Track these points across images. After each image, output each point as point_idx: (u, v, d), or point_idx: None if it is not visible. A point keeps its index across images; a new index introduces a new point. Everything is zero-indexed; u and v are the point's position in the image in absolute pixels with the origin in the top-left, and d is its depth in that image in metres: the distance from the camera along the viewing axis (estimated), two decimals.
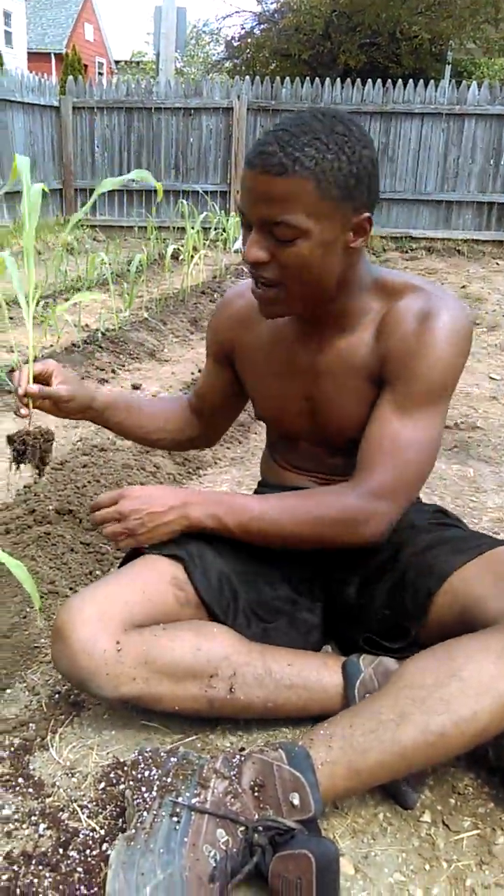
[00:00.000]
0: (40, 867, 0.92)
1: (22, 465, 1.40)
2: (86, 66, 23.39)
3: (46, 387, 1.33)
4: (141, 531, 1.18)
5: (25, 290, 1.53)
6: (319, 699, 1.14)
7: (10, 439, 1.42)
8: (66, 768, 1.10)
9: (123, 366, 3.57)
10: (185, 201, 6.09)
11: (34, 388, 1.30)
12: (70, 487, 1.99)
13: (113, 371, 3.44)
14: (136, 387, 3.22)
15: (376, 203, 1.13)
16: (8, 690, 1.24)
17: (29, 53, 28.51)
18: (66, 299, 4.94)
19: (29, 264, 1.50)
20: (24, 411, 1.37)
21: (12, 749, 1.12)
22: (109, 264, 4.19)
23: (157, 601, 1.14)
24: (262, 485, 1.53)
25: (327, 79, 8.20)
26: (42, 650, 1.32)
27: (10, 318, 3.80)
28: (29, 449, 1.39)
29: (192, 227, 5.45)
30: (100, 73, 34.77)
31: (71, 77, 8.66)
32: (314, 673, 1.15)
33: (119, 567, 1.27)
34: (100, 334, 3.86)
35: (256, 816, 0.92)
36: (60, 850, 0.95)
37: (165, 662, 1.08)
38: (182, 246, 5.55)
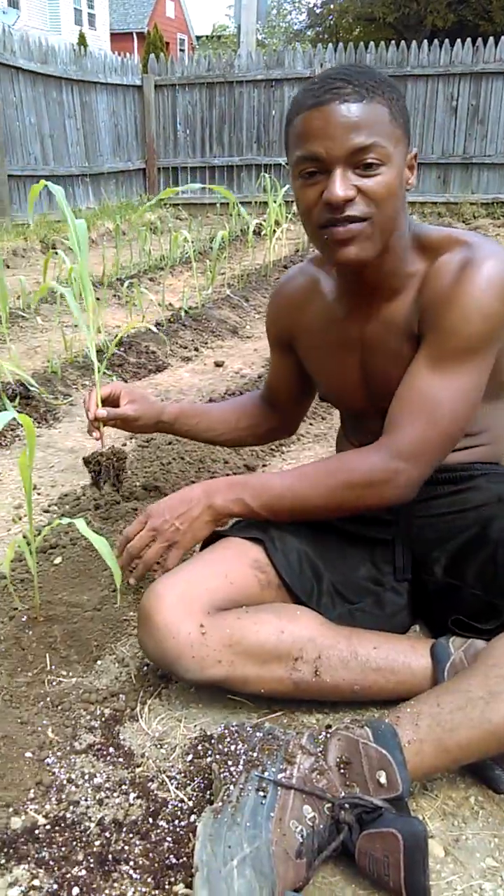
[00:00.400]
0: (130, 835, 0.94)
1: (101, 484, 1.51)
2: (167, 43, 23.43)
3: (115, 409, 1.43)
4: (179, 536, 1.21)
5: (86, 319, 1.62)
6: (408, 683, 1.12)
7: (87, 461, 1.54)
8: (155, 739, 1.12)
9: (206, 343, 3.59)
10: (267, 175, 6.01)
11: (102, 412, 1.36)
12: (156, 464, 2.02)
13: (196, 349, 3.47)
14: (218, 364, 3.23)
15: None
16: (98, 662, 1.27)
17: (112, 34, 28.78)
18: (151, 279, 5.02)
19: (86, 292, 1.57)
20: (95, 434, 1.45)
21: (103, 719, 1.15)
22: (192, 242, 4.20)
23: (240, 584, 1.15)
24: None
25: (413, 42, 7.92)
26: (131, 623, 1.35)
27: (97, 299, 3.87)
28: (104, 469, 1.48)
29: (275, 202, 5.40)
30: (181, 50, 34.77)
31: (152, 55, 8.68)
32: (402, 656, 1.13)
33: (200, 550, 1.28)
34: (183, 312, 3.89)
35: (342, 794, 0.92)
36: (150, 820, 0.97)
37: (250, 645, 1.09)
38: (264, 221, 5.51)
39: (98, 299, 3.94)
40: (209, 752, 1.08)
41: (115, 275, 5.02)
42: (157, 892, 0.88)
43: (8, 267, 4.85)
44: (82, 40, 17.08)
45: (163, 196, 1.76)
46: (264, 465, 2.09)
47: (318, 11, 16.76)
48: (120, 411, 1.44)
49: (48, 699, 1.17)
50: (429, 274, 1.16)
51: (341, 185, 1.06)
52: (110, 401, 1.47)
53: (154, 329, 3.06)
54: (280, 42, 22.79)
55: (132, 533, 1.24)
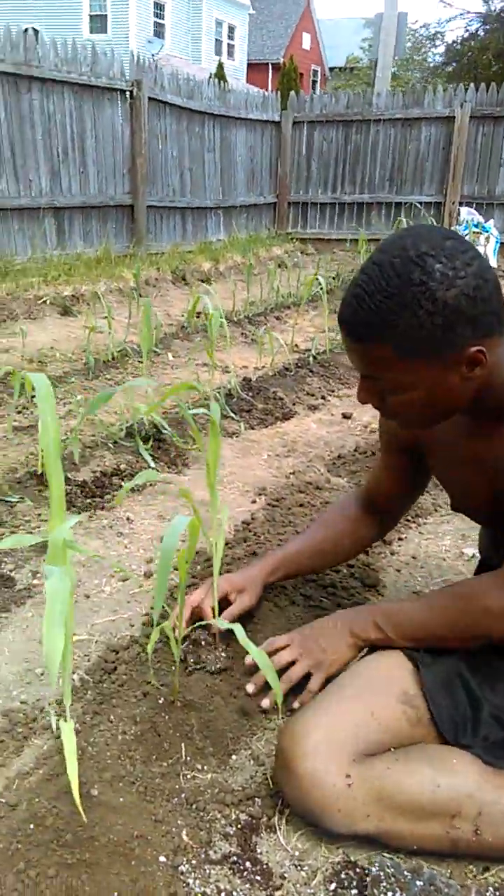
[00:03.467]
0: None
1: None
2: (301, 74, 23.88)
3: (232, 610, 1.40)
4: (325, 658, 1.24)
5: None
6: None
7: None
8: (295, 858, 1.06)
9: (333, 391, 3.53)
10: (402, 217, 5.94)
11: (225, 625, 1.24)
12: (289, 530, 1.98)
13: (323, 397, 3.42)
14: (346, 416, 3.17)
15: (498, 326, 1.03)
16: (234, 757, 1.22)
17: (248, 64, 29.59)
18: (277, 317, 5.03)
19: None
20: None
21: (239, 826, 1.10)
22: (322, 281, 4.18)
23: (387, 724, 1.08)
24: (483, 564, 1.44)
25: None
26: (271, 719, 1.30)
27: (224, 337, 3.91)
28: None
29: None
30: (314, 81, 35.32)
31: (292, 92, 8.81)
32: None
33: None
34: (311, 357, 3.86)
35: None
36: None
37: (402, 801, 1.01)
38: None
39: (225, 337, 3.97)
40: (354, 883, 1.01)
41: (244, 312, 5.07)
42: None
43: (140, 296, 4.98)
44: (220, 70, 17.68)
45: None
46: (401, 539, 2.01)
47: (457, 48, 16.55)
48: (237, 610, 1.41)
49: (183, 795, 1.13)
50: None
51: (359, 392, 1.13)
52: (224, 601, 1.44)
53: (271, 374, 3.04)
54: (416, 77, 22.72)
55: (279, 644, 1.22)
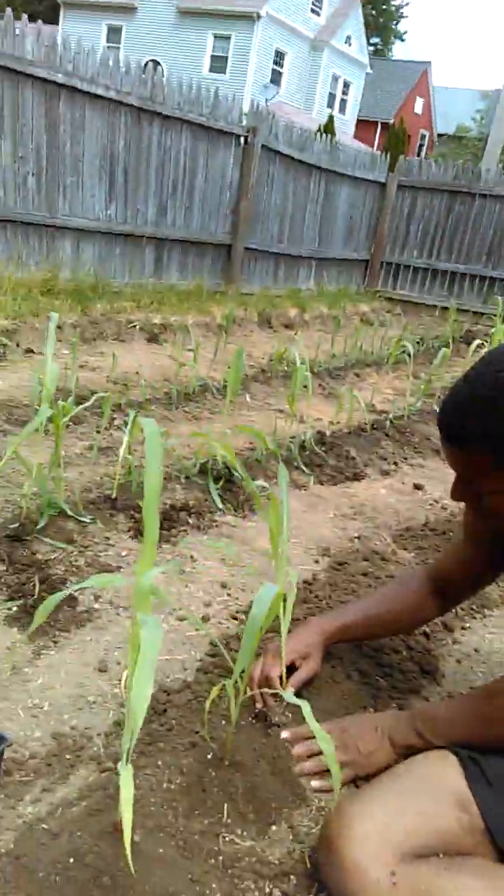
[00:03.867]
0: None
1: None
2: (409, 136, 24.25)
3: (300, 676, 1.42)
4: (359, 762, 1.26)
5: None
6: None
7: None
8: None
9: (406, 458, 3.51)
10: (499, 296, 5.93)
11: (293, 699, 1.20)
12: (350, 597, 1.96)
13: (395, 463, 3.40)
14: (417, 486, 3.13)
15: None
16: (274, 827, 1.20)
17: (358, 120, 30.24)
18: (357, 374, 5.05)
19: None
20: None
21: None
22: (409, 344, 4.19)
23: (438, 826, 1.05)
24: None
25: None
26: (316, 797, 1.27)
27: (304, 388, 3.93)
28: None
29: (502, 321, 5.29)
30: (420, 145, 35.83)
31: (402, 157, 8.94)
32: None
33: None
34: (388, 421, 3.85)
35: None
36: None
37: None
38: (487, 338, 5.40)
39: (305, 387, 4.00)
40: None
41: (325, 364, 5.11)
42: None
43: (226, 334, 5.08)
44: (330, 124, 18.09)
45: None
46: (464, 628, 1.96)
47: None
48: (304, 676, 1.44)
49: (220, 858, 1.12)
50: None
51: (453, 492, 1.17)
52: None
53: (346, 431, 3.03)
54: None
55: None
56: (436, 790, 1.09)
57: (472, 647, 1.86)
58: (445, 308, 8.26)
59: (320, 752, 1.24)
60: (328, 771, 1.22)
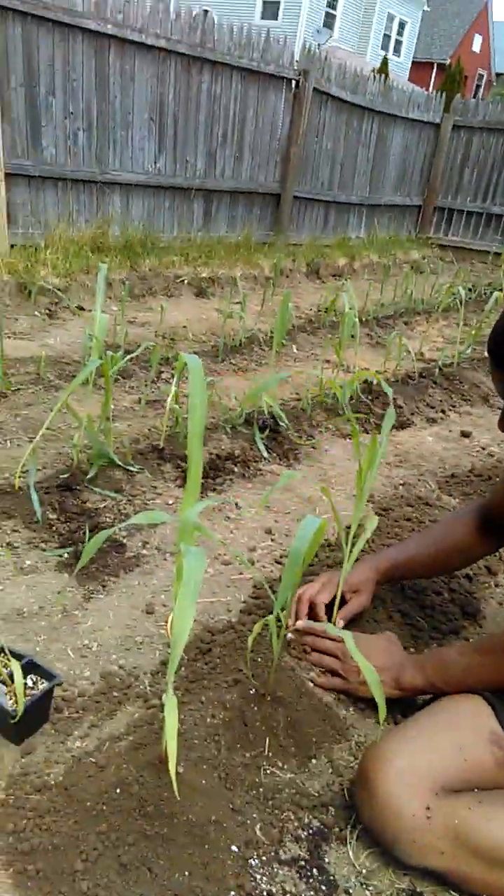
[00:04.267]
0: None
1: None
2: (465, 77, 23.15)
3: (350, 609, 1.46)
4: (353, 679, 1.32)
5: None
6: None
7: None
8: (362, 876, 1.06)
9: (454, 406, 3.44)
10: None
11: (336, 631, 1.20)
12: (393, 542, 1.95)
13: (443, 411, 3.34)
14: (465, 434, 3.08)
15: None
16: (314, 761, 1.23)
17: (413, 62, 29.00)
18: (406, 322, 4.95)
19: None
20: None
21: (310, 831, 1.11)
22: (461, 290, 4.06)
23: (474, 761, 1.06)
24: None
25: None
26: (354, 731, 1.30)
27: (352, 336, 3.87)
28: None
29: None
30: (477, 85, 34.21)
31: (458, 95, 8.57)
32: None
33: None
34: (437, 369, 3.78)
35: None
36: None
37: (479, 844, 0.99)
38: None
39: (353, 336, 3.93)
40: None
41: (374, 313, 5.02)
42: None
43: (273, 286, 5.02)
44: (384, 66, 17.40)
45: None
46: None
47: None
48: (355, 609, 1.47)
49: (261, 790, 1.15)
50: None
51: (500, 421, 1.23)
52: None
53: (393, 380, 2.99)
54: None
55: (328, 649, 1.36)
56: (470, 727, 1.10)
57: None
58: (498, 254, 7.99)
59: (333, 656, 1.35)
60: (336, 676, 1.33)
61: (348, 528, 1.67)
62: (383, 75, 7.48)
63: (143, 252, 4.91)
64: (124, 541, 1.86)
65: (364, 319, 4.78)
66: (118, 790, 1.07)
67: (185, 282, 4.80)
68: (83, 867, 0.98)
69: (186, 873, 0.99)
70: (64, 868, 0.98)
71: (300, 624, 1.40)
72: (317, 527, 1.09)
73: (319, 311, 4.84)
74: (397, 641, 1.39)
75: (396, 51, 26.73)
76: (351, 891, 1.04)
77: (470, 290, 6.05)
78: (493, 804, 1.02)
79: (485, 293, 6.02)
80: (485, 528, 1.52)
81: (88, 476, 2.07)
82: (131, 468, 2.18)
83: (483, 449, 2.96)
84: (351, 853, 1.09)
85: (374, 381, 3.42)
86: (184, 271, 4.89)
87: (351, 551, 1.42)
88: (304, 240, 6.90)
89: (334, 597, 1.45)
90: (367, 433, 2.93)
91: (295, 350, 4.01)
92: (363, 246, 7.35)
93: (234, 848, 1.05)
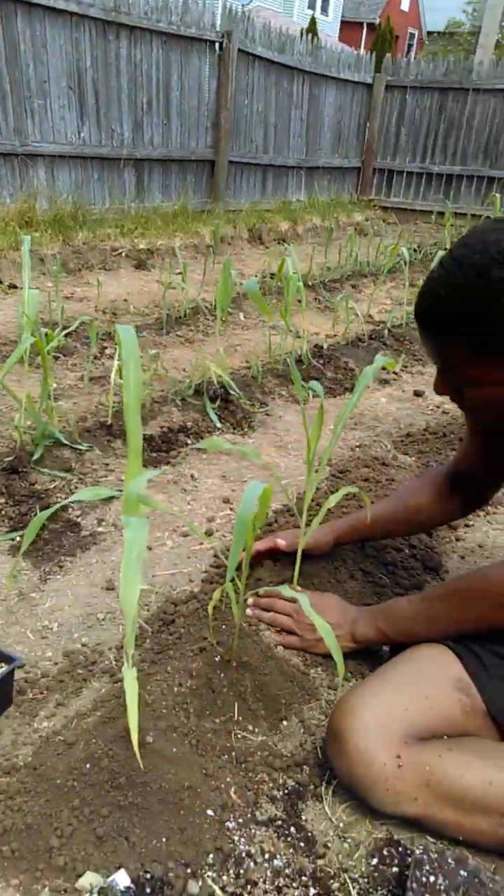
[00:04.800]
0: None
1: None
2: (397, 37, 23.03)
3: (308, 539, 1.47)
4: (309, 637, 1.33)
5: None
6: None
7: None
8: (339, 830, 1.06)
9: (406, 367, 3.46)
10: (498, 194, 5.73)
11: (290, 593, 1.20)
12: (352, 503, 1.96)
13: (394, 372, 3.36)
14: (418, 393, 3.10)
15: None
16: (284, 722, 1.23)
17: (342, 22, 28.73)
18: (353, 286, 4.94)
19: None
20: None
21: (285, 792, 1.11)
22: (406, 252, 4.06)
23: (441, 709, 1.07)
24: None
25: None
26: (322, 691, 1.30)
27: (298, 302, 3.85)
28: None
29: None
30: (409, 45, 34.11)
31: (388, 55, 8.52)
32: None
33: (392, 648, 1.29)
34: (386, 330, 3.78)
35: None
36: None
37: (451, 790, 0.99)
38: None
39: (300, 301, 3.91)
40: (396, 861, 1.01)
41: (320, 277, 4.99)
42: None
43: (214, 254, 4.95)
44: (312, 26, 17.17)
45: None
46: (468, 526, 1.97)
47: None
48: (311, 542, 1.50)
49: (233, 754, 1.15)
50: None
51: (435, 386, 1.15)
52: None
53: (343, 343, 2.99)
54: None
55: (281, 609, 1.36)
56: (436, 676, 1.10)
57: (476, 543, 1.87)
58: (442, 213, 8.03)
59: (287, 616, 1.35)
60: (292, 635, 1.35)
61: (301, 496, 1.65)
62: (312, 35, 7.37)
63: (74, 225, 4.77)
64: (78, 520, 1.82)
65: (311, 284, 4.75)
66: (88, 765, 1.05)
67: (123, 254, 4.70)
68: (59, 843, 0.97)
69: (164, 839, 0.98)
70: (39, 846, 0.96)
71: (251, 608, 1.40)
72: (261, 491, 1.07)
73: (265, 277, 4.79)
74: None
75: (324, 10, 26.43)
76: (329, 844, 1.04)
77: (415, 250, 6.06)
78: (464, 751, 1.03)
79: (430, 253, 6.04)
80: (454, 487, 1.51)
81: (34, 457, 2.02)
82: (80, 447, 2.13)
83: (438, 408, 2.98)
84: (327, 808, 1.09)
85: (325, 345, 3.41)
86: (120, 243, 4.78)
87: (309, 516, 1.41)
88: (243, 205, 6.82)
89: (293, 553, 1.45)
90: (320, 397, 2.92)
91: (242, 318, 3.97)
92: (305, 209, 7.30)
93: (209, 812, 1.04)
